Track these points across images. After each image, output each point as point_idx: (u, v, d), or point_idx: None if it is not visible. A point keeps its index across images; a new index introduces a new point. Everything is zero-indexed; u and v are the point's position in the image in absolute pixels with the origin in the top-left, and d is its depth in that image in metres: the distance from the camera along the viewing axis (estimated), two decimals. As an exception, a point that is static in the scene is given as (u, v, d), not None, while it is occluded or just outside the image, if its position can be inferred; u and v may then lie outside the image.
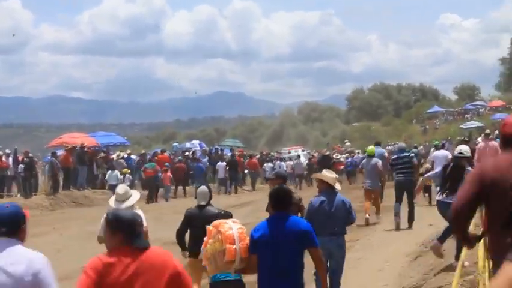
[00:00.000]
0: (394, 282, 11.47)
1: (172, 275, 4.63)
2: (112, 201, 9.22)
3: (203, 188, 9.82)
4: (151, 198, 28.97)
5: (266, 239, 6.64)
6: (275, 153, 49.68)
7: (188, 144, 46.51)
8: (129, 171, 30.63)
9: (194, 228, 9.59)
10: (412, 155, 21.38)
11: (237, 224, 7.07)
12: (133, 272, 4.52)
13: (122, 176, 29.59)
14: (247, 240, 6.82)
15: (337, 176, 9.83)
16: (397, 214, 16.97)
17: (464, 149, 11.63)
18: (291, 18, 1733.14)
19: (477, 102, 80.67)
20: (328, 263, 9.04)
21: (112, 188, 29.14)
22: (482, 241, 7.53)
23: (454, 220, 4.87)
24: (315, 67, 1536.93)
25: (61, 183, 29.51)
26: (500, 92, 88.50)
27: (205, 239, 7.06)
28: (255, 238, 6.71)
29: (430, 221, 17.00)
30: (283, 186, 7.69)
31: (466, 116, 73.35)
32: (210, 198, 9.73)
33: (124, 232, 4.62)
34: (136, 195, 9.43)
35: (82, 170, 29.92)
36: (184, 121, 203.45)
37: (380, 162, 19.28)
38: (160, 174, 30.61)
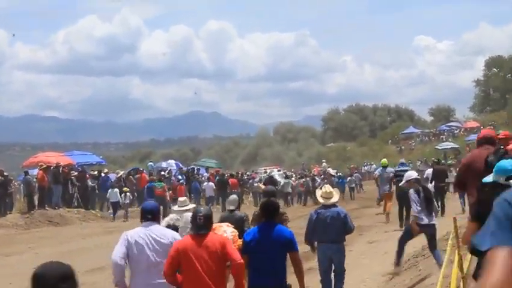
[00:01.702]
0: (370, 302, 11.53)
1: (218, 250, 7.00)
2: (175, 207, 11.10)
3: (234, 196, 11.20)
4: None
5: (256, 242, 7.73)
6: (250, 173, 49.44)
7: (164, 164, 46.34)
8: (128, 189, 30.87)
9: None
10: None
11: (230, 228, 8.74)
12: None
13: (123, 195, 29.88)
14: (239, 242, 8.24)
15: (330, 190, 10.73)
16: (401, 219, 19.55)
17: (414, 174, 13.33)
18: (267, 39, 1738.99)
19: (452, 124, 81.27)
20: (332, 266, 10.61)
21: (114, 205, 29.13)
22: (456, 262, 7.99)
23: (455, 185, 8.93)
24: (290, 88, 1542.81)
25: (36, 202, 29.35)
26: (475, 114, 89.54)
27: None
28: (247, 241, 7.85)
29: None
30: (272, 199, 8.77)
31: (441, 137, 73.82)
32: (239, 205, 10.98)
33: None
34: (190, 203, 11.53)
35: (57, 189, 29.75)
36: (160, 141, 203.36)
37: (392, 173, 22.28)
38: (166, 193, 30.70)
